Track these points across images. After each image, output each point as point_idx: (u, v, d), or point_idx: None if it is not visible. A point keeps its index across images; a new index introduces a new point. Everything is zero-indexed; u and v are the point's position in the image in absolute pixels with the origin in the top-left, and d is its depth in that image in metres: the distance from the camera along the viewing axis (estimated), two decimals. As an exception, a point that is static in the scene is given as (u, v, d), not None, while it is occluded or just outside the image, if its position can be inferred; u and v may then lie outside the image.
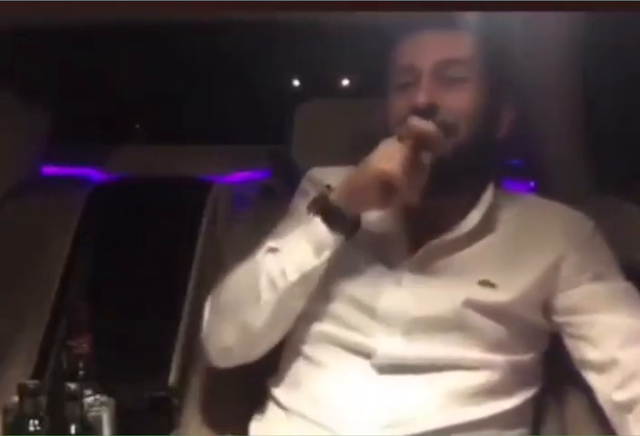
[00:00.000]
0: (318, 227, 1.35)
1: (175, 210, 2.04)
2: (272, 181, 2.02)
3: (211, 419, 1.56)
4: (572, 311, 1.40)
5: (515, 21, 1.67)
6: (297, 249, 1.37)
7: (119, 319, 1.86)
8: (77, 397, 1.29)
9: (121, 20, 1.75)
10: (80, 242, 1.98)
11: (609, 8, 1.36)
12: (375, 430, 1.33)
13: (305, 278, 1.37)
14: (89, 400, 1.37)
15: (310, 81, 2.24)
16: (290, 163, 1.91)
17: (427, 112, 1.36)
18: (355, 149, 1.73)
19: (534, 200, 1.53)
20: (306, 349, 1.43)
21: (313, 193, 1.47)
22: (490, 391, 1.38)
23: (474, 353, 1.38)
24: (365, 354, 1.38)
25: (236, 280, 1.45)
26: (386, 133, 1.40)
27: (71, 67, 2.31)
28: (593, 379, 1.38)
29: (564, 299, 1.40)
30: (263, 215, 1.90)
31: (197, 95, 2.52)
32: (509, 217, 1.45)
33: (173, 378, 1.79)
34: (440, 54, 1.41)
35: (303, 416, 1.38)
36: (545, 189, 1.85)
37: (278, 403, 1.44)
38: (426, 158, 1.34)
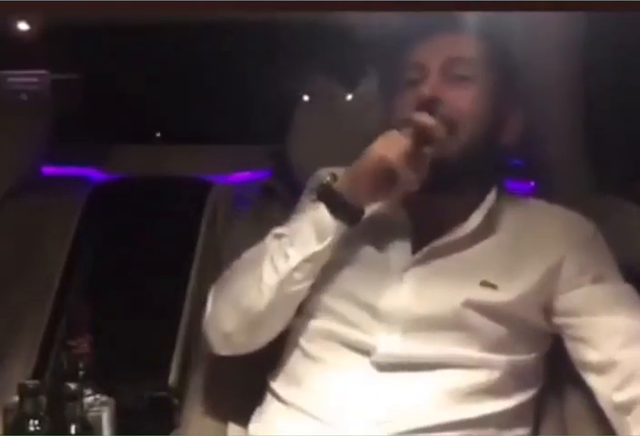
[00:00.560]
0: (321, 213, 1.37)
1: (175, 210, 2.04)
2: (272, 181, 2.02)
3: (211, 419, 1.56)
4: (571, 312, 1.40)
5: (516, 21, 1.67)
6: (301, 234, 1.39)
7: (119, 319, 1.86)
8: (77, 397, 1.29)
9: (121, 20, 1.75)
10: (80, 241, 1.98)
11: (609, 8, 1.35)
12: (374, 426, 1.34)
13: (306, 262, 1.38)
14: (89, 400, 1.37)
15: (310, 81, 2.24)
16: (291, 163, 1.92)
17: (430, 105, 1.38)
18: (355, 149, 1.74)
19: (535, 203, 1.53)
20: (307, 345, 1.44)
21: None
22: (490, 390, 1.38)
23: (473, 352, 1.38)
24: (365, 352, 1.38)
25: (241, 263, 1.48)
26: (391, 128, 1.41)
27: (71, 67, 2.31)
28: (592, 380, 1.38)
29: (563, 301, 1.41)
30: (263, 215, 1.90)
31: (197, 95, 2.52)
32: (511, 219, 1.46)
33: (173, 378, 1.79)
34: (448, 52, 1.43)
35: (302, 411, 1.38)
36: (545, 189, 1.85)
37: (278, 397, 1.44)
38: (427, 151, 1.36)
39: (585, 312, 1.39)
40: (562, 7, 1.39)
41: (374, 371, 1.37)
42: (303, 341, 1.44)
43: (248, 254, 1.48)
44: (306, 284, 1.41)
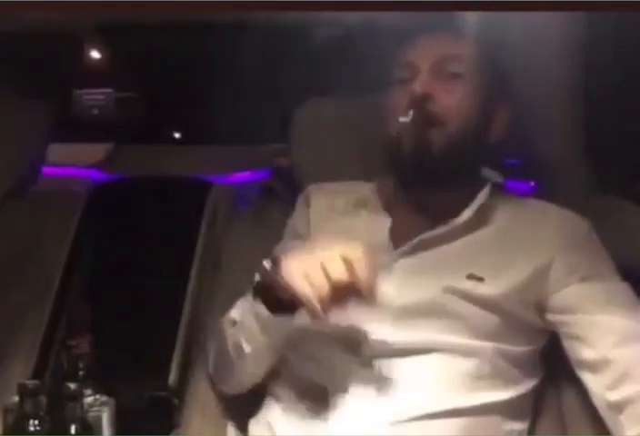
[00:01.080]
0: (261, 310, 1.38)
1: (175, 210, 2.04)
2: (272, 181, 2.02)
3: (211, 419, 1.56)
4: (565, 310, 1.41)
5: (515, 21, 1.67)
6: (249, 325, 1.41)
7: (119, 319, 1.86)
8: (77, 397, 1.29)
9: (121, 20, 1.75)
10: (80, 242, 1.98)
11: (609, 8, 1.36)
12: (373, 416, 1.35)
13: (257, 351, 1.43)
14: (89, 400, 1.37)
15: (310, 81, 2.24)
16: (290, 162, 1.91)
17: (421, 100, 1.43)
18: (355, 148, 1.74)
19: (530, 201, 1.56)
20: (302, 343, 1.45)
21: (306, 214, 1.59)
22: (483, 379, 1.39)
23: (462, 340, 1.39)
24: (358, 342, 1.40)
25: (215, 349, 1.54)
26: (387, 126, 1.47)
27: (71, 67, 2.31)
28: (586, 378, 1.39)
29: (557, 299, 1.42)
30: (263, 215, 1.90)
31: (197, 95, 2.52)
32: (503, 216, 1.48)
33: (173, 378, 1.79)
34: (439, 50, 1.48)
35: (300, 406, 1.40)
36: (545, 189, 1.85)
37: (276, 396, 1.46)
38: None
39: (579, 310, 1.40)
40: (562, 7, 1.39)
41: (366, 360, 1.39)
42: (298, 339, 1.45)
43: (217, 337, 1.52)
44: (272, 360, 1.45)
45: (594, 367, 1.37)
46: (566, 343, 1.42)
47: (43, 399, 1.27)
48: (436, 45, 1.49)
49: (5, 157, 1.94)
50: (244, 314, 1.43)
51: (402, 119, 1.43)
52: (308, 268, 1.26)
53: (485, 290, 1.40)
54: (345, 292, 1.26)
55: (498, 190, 1.53)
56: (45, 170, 2.13)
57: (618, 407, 1.34)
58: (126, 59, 2.37)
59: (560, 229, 1.46)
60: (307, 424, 1.38)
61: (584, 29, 1.73)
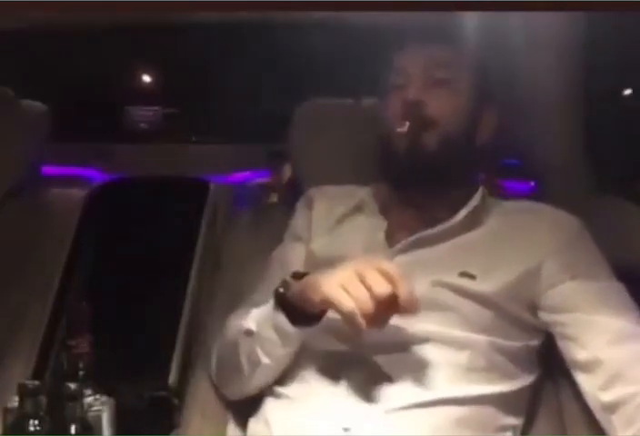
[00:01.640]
0: (282, 321, 1.39)
1: (175, 210, 2.04)
2: (272, 181, 2.02)
3: (211, 419, 1.56)
4: (558, 309, 1.43)
5: (515, 21, 1.67)
6: (267, 336, 1.42)
7: (119, 319, 1.86)
8: (77, 397, 1.29)
9: (121, 20, 1.75)
10: (80, 242, 1.98)
11: (609, 8, 1.36)
12: (363, 403, 1.36)
13: (277, 360, 1.43)
14: (89, 400, 1.37)
15: (310, 81, 2.24)
16: (290, 162, 1.91)
17: (414, 107, 1.48)
18: (354, 149, 1.74)
19: (523, 203, 1.59)
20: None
21: (307, 216, 1.61)
22: (475, 371, 1.39)
23: (456, 332, 1.40)
24: (350, 335, 1.39)
25: (221, 356, 1.55)
26: (382, 130, 1.53)
27: (71, 67, 2.31)
28: (580, 379, 1.40)
29: (549, 297, 1.43)
30: (263, 215, 1.90)
31: (197, 95, 2.52)
32: (497, 217, 1.51)
33: (173, 378, 1.79)
34: (427, 57, 1.53)
35: (299, 402, 1.41)
36: (545, 189, 1.85)
37: (276, 394, 1.46)
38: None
39: (571, 309, 1.41)
40: (562, 7, 1.39)
41: (363, 352, 1.40)
42: None
43: (225, 346, 1.52)
44: (284, 367, 1.46)
45: (586, 367, 1.38)
46: (560, 343, 1.43)
47: (43, 399, 1.27)
48: (425, 51, 1.54)
49: (5, 157, 1.93)
50: (260, 325, 1.43)
51: (397, 127, 1.48)
52: (348, 283, 1.25)
53: (478, 287, 1.42)
54: (386, 306, 1.26)
55: (492, 191, 1.56)
56: (45, 170, 2.13)
57: (611, 408, 1.34)
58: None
59: (552, 228, 1.47)
60: (302, 414, 1.38)
61: (584, 29, 1.73)
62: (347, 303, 1.24)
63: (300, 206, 1.67)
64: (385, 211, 1.56)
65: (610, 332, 1.37)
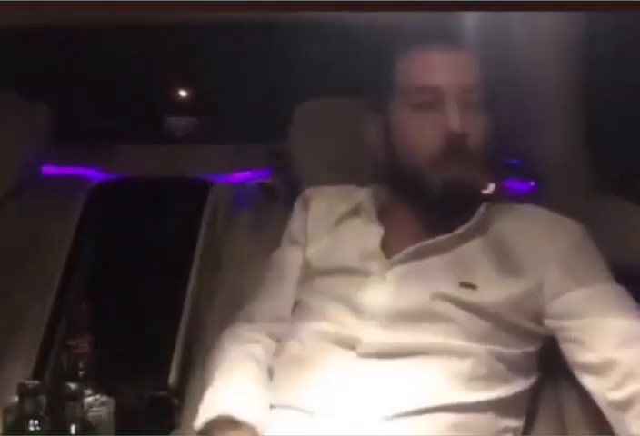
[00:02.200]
0: None
1: (174, 210, 2.04)
2: (272, 181, 2.02)
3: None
4: (564, 316, 1.41)
5: (515, 21, 1.67)
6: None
7: (119, 319, 1.86)
8: (77, 397, 1.29)
9: (121, 20, 1.75)
10: (80, 242, 1.98)
11: (609, 8, 1.36)
12: (367, 411, 1.35)
13: None
14: (89, 400, 1.37)
15: (310, 81, 2.24)
16: (290, 162, 1.91)
17: (461, 140, 1.41)
18: (354, 149, 1.74)
19: (524, 208, 1.54)
20: (298, 348, 1.46)
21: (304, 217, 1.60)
22: (476, 379, 1.38)
23: (455, 342, 1.39)
24: (351, 345, 1.41)
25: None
26: (412, 156, 1.44)
27: (71, 67, 2.31)
28: (588, 381, 1.39)
29: (555, 305, 1.42)
30: (263, 215, 1.90)
31: (197, 95, 2.52)
32: (497, 225, 1.48)
33: (173, 378, 1.79)
34: (461, 78, 1.44)
35: (296, 408, 1.39)
36: (545, 189, 1.85)
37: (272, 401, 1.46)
38: None
39: (577, 315, 1.40)
40: (562, 7, 1.39)
41: (359, 361, 1.40)
42: (295, 347, 1.47)
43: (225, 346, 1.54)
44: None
45: (595, 369, 1.37)
46: (565, 347, 1.42)
47: (43, 399, 1.27)
48: (455, 68, 1.45)
49: (5, 157, 1.94)
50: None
51: (434, 158, 1.42)
52: None
53: (478, 298, 1.41)
54: None
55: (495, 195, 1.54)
56: (45, 170, 2.13)
57: (622, 406, 1.33)
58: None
59: (554, 236, 1.45)
60: (302, 421, 1.38)
61: (584, 29, 1.73)
62: None
63: (297, 207, 1.66)
64: (382, 215, 1.54)
65: (618, 334, 1.37)
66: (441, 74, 1.44)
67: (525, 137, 1.82)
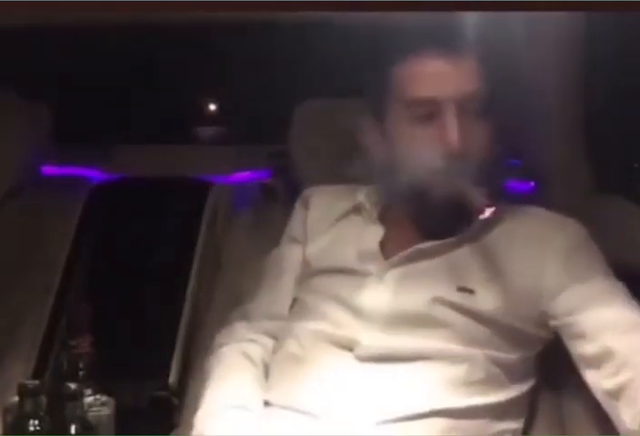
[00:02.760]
0: None
1: (174, 210, 2.04)
2: (272, 181, 2.02)
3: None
4: (566, 313, 1.41)
5: (516, 21, 1.67)
6: None
7: (119, 319, 1.86)
8: (77, 397, 1.29)
9: (121, 20, 1.75)
10: (80, 242, 1.98)
11: (609, 8, 1.35)
12: (363, 415, 1.35)
13: None
14: (89, 400, 1.37)
15: (310, 81, 2.24)
16: (290, 162, 1.91)
17: (460, 155, 1.39)
18: (354, 149, 1.74)
19: (525, 210, 1.52)
20: (296, 348, 1.47)
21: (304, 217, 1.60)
22: (473, 384, 1.38)
23: (453, 347, 1.39)
24: (348, 347, 1.41)
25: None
26: (409, 169, 1.42)
27: (71, 67, 2.31)
28: (588, 373, 1.39)
29: (556, 305, 1.41)
30: (263, 215, 1.90)
31: (197, 95, 2.52)
32: (497, 227, 1.47)
33: (173, 378, 1.79)
34: (459, 87, 1.41)
35: (292, 409, 1.39)
36: (545, 189, 1.85)
37: (268, 402, 1.46)
38: None
39: (579, 310, 1.39)
40: (562, 7, 1.39)
41: (357, 364, 1.39)
42: (292, 345, 1.47)
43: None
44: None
45: (593, 360, 1.37)
46: (568, 344, 1.42)
47: (43, 399, 1.27)
48: (455, 78, 1.41)
49: (5, 157, 1.94)
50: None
51: (434, 175, 1.40)
52: None
53: (476, 302, 1.40)
54: None
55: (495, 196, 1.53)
56: (45, 170, 2.13)
57: (615, 394, 1.33)
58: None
59: (554, 237, 1.44)
60: (298, 422, 1.38)
61: (584, 29, 1.73)
62: None
63: (297, 207, 1.65)
64: (383, 215, 1.53)
65: (615, 324, 1.36)
66: (437, 85, 1.41)
67: (525, 137, 1.82)
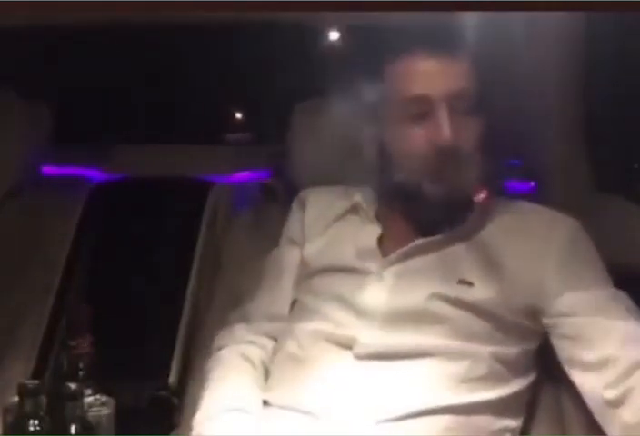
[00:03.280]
0: None
1: (175, 210, 2.04)
2: (272, 181, 2.02)
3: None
4: (563, 314, 1.41)
5: (515, 21, 1.67)
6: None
7: (119, 319, 1.86)
8: (77, 397, 1.29)
9: (121, 20, 1.75)
10: (80, 242, 1.98)
11: (609, 8, 1.36)
12: (363, 414, 1.35)
13: None
14: (89, 400, 1.37)
15: (310, 81, 2.24)
16: (290, 162, 1.91)
17: (452, 152, 1.40)
18: (354, 149, 1.74)
19: (520, 204, 1.54)
20: (296, 348, 1.47)
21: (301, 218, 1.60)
22: (476, 379, 1.39)
23: (453, 343, 1.40)
24: (348, 346, 1.41)
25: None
26: (402, 167, 1.44)
27: (71, 67, 2.31)
28: (583, 377, 1.39)
29: (554, 305, 1.41)
30: (263, 215, 1.90)
31: (197, 95, 2.52)
32: (494, 221, 1.48)
33: (173, 378, 1.79)
34: (451, 84, 1.42)
35: (292, 408, 1.39)
36: (545, 189, 1.85)
37: (268, 402, 1.46)
38: None
39: (577, 314, 1.40)
40: (562, 7, 1.39)
41: (356, 362, 1.40)
42: (292, 345, 1.47)
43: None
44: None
45: (593, 367, 1.37)
46: (559, 343, 1.42)
47: (43, 399, 1.27)
48: (446, 76, 1.42)
49: (5, 157, 1.94)
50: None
51: (426, 171, 1.41)
52: None
53: (475, 294, 1.41)
54: None
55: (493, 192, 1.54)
56: (45, 170, 2.13)
57: (616, 403, 1.33)
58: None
59: (550, 232, 1.45)
60: (298, 421, 1.38)
61: (584, 29, 1.73)
62: None
63: (293, 208, 1.66)
64: (380, 215, 1.54)
65: (618, 334, 1.37)
66: (430, 83, 1.42)
67: (525, 137, 1.82)
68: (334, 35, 1.98)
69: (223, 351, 1.53)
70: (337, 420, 1.35)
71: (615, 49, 1.79)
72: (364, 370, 1.39)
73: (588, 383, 1.38)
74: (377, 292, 1.44)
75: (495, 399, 1.39)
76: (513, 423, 1.43)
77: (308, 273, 1.55)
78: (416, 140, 1.43)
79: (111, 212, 2.07)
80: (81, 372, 1.43)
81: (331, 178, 1.71)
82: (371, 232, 1.51)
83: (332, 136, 1.83)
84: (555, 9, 1.43)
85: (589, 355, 1.37)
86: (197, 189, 2.07)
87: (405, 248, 1.46)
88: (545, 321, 1.43)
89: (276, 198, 1.93)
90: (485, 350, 1.40)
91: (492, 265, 1.43)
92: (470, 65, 1.44)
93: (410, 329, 1.40)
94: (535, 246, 1.44)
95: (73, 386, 1.29)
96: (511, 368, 1.42)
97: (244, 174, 2.13)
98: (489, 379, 1.40)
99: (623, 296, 1.42)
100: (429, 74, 1.43)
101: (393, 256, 1.47)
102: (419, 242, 1.46)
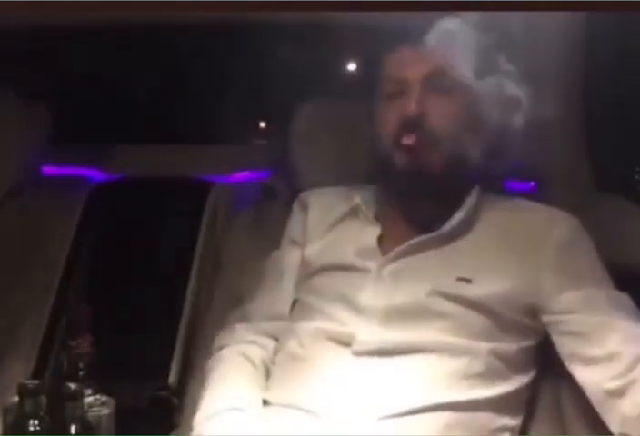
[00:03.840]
0: None
1: (175, 210, 2.04)
2: (272, 181, 2.02)
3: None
4: (564, 312, 1.42)
5: (516, 21, 1.67)
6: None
7: (119, 319, 1.86)
8: (77, 397, 1.29)
9: (121, 20, 1.75)
10: (80, 242, 1.98)
11: (609, 8, 1.36)
12: (363, 411, 1.35)
13: None
14: (89, 400, 1.37)
15: (310, 81, 2.24)
16: (289, 163, 1.91)
17: (416, 121, 1.45)
18: (354, 149, 1.74)
19: (518, 201, 1.56)
20: (296, 347, 1.47)
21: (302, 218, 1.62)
22: (475, 376, 1.39)
23: (452, 339, 1.40)
24: (346, 343, 1.42)
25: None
26: (379, 144, 1.50)
27: (71, 67, 2.31)
28: (586, 372, 1.39)
29: (554, 303, 1.42)
30: (263, 215, 1.90)
31: (197, 95, 2.52)
32: (491, 218, 1.50)
33: (173, 378, 1.79)
34: (428, 64, 1.48)
35: (292, 407, 1.40)
36: (545, 189, 1.85)
37: (268, 401, 1.46)
38: None
39: (579, 312, 1.40)
40: (562, 7, 1.40)
41: (355, 360, 1.40)
42: (293, 344, 1.48)
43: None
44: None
45: (598, 362, 1.37)
46: (561, 339, 1.42)
47: (43, 399, 1.27)
48: (425, 57, 1.49)
49: (4, 157, 1.94)
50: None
51: (396, 144, 1.46)
52: None
53: (474, 291, 1.41)
54: None
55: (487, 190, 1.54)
56: (45, 170, 2.13)
57: (617, 393, 1.34)
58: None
59: (550, 230, 1.46)
60: (299, 420, 1.38)
61: (584, 29, 1.73)
62: None
63: (295, 210, 1.67)
64: (379, 216, 1.55)
65: (621, 331, 1.37)
66: (409, 64, 1.49)
67: (525, 137, 1.82)
68: (334, 35, 1.98)
69: (223, 351, 1.54)
70: (338, 418, 1.35)
71: (615, 49, 1.79)
72: (363, 367, 1.39)
73: (591, 377, 1.38)
74: (376, 291, 1.45)
75: (494, 396, 1.40)
76: (512, 422, 1.43)
77: (309, 273, 1.55)
78: (389, 114, 1.48)
79: (111, 212, 2.07)
80: (81, 372, 1.43)
81: (331, 178, 1.71)
82: (371, 233, 1.53)
83: (332, 136, 1.83)
84: (555, 9, 1.44)
85: (597, 351, 1.37)
86: (197, 189, 2.06)
87: (402, 246, 1.48)
88: (545, 318, 1.43)
89: (276, 198, 1.93)
90: (484, 346, 1.40)
91: (491, 263, 1.44)
92: (456, 49, 1.48)
93: (409, 325, 1.41)
94: (533, 244, 1.44)
95: (73, 386, 1.29)
96: (510, 365, 1.42)
97: (244, 174, 2.13)
98: (488, 375, 1.40)
99: (621, 294, 1.43)
100: (409, 59, 1.50)
101: (391, 254, 1.48)
102: (417, 239, 1.48)
